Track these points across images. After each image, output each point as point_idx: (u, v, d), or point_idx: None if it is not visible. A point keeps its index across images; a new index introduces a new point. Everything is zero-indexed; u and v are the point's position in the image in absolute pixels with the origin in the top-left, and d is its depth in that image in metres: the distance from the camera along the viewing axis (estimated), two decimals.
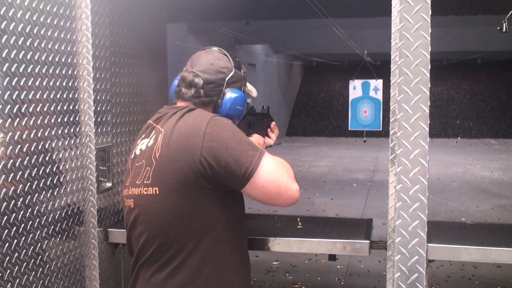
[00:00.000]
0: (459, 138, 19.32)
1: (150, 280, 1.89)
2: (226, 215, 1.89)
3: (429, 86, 2.01)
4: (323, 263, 5.55)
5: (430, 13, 1.98)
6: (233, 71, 2.06)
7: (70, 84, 2.38)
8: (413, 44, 2.00)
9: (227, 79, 2.03)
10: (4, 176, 1.99)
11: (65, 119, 2.36)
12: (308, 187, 9.68)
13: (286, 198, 1.85)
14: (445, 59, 18.13)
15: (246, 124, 2.23)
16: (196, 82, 1.99)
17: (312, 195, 9.10)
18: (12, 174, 2.03)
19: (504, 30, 3.00)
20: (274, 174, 1.82)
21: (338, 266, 5.50)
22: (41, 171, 2.20)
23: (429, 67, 2.00)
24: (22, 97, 2.08)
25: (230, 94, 2.03)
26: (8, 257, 2.01)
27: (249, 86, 2.20)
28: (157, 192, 1.85)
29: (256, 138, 2.26)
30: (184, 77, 2.02)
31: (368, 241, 2.30)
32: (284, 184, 1.83)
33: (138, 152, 1.98)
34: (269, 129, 2.41)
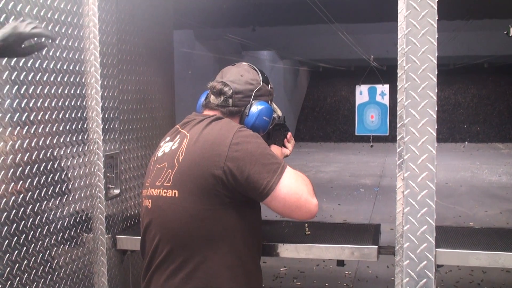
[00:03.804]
0: (466, 142, 19.26)
1: (164, 285, 1.89)
2: (243, 223, 1.90)
3: (436, 91, 2.01)
4: (331, 269, 5.53)
5: (437, 18, 1.98)
6: (261, 84, 2.10)
7: (78, 92, 2.40)
8: (420, 49, 2.00)
9: (255, 90, 2.06)
10: (13, 183, 2.00)
11: (73, 127, 2.37)
12: (315, 192, 9.63)
13: (305, 211, 1.89)
14: (452, 64, 18.10)
15: (266, 135, 2.24)
16: (225, 91, 2.02)
17: (319, 201, 8.99)
18: (21, 181, 2.05)
19: (511, 34, 3.00)
20: (294, 188, 1.86)
21: (346, 272, 5.49)
22: (49, 179, 2.21)
23: (436, 72, 2.00)
24: (30, 105, 2.10)
25: (258, 106, 2.05)
26: (17, 264, 2.02)
27: (274, 105, 2.23)
28: (176, 195, 1.86)
29: (274, 150, 2.28)
30: (213, 86, 2.05)
31: (376, 247, 2.29)
32: (304, 198, 1.88)
33: (160, 154, 2.00)
34: (285, 139, 2.42)
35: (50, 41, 1.72)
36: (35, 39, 1.72)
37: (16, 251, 2.01)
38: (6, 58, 1.97)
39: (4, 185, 1.96)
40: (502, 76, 20.85)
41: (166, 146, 2.00)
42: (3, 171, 1.96)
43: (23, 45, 1.66)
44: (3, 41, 1.60)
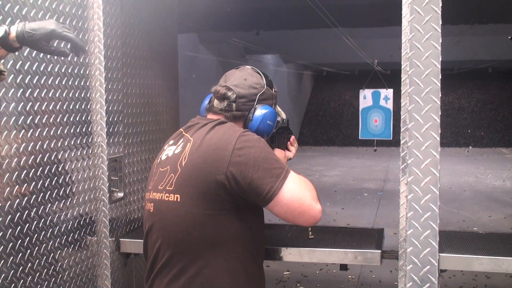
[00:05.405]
0: (470, 147, 19.24)
1: None
2: (245, 228, 1.88)
3: (440, 95, 2.01)
4: (335, 273, 5.52)
5: (441, 23, 1.98)
6: (265, 88, 2.08)
7: (82, 95, 2.41)
8: (424, 54, 2.00)
9: (259, 95, 2.05)
10: (17, 186, 2.01)
11: (78, 130, 2.38)
12: (319, 196, 9.60)
13: (308, 217, 1.86)
14: (456, 68, 18.11)
15: (269, 138, 2.23)
16: (229, 95, 2.01)
17: (322, 205, 8.94)
18: (26, 184, 2.05)
19: None
20: (298, 193, 1.84)
21: (350, 276, 5.48)
22: (53, 181, 2.22)
23: (440, 77, 2.00)
24: (35, 108, 2.11)
25: (261, 110, 2.04)
26: (21, 267, 2.02)
27: (278, 108, 2.23)
28: (178, 200, 1.86)
29: (277, 153, 2.27)
30: (217, 90, 2.03)
31: (380, 251, 2.29)
32: (307, 203, 1.85)
33: (164, 158, 1.99)
34: (289, 143, 2.41)
35: (80, 52, 1.74)
36: (63, 43, 1.73)
37: (20, 254, 2.02)
38: (11, 61, 1.98)
39: (8, 188, 1.97)
40: (506, 81, 20.82)
41: (169, 150, 1.99)
42: (8, 174, 1.97)
43: (49, 43, 1.67)
44: (33, 31, 1.61)
